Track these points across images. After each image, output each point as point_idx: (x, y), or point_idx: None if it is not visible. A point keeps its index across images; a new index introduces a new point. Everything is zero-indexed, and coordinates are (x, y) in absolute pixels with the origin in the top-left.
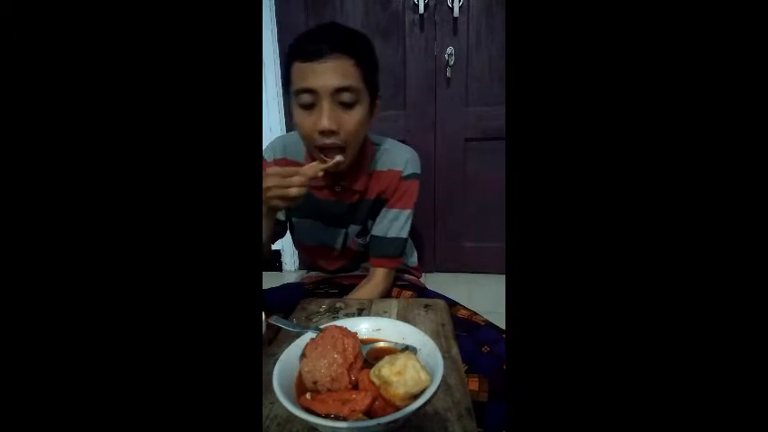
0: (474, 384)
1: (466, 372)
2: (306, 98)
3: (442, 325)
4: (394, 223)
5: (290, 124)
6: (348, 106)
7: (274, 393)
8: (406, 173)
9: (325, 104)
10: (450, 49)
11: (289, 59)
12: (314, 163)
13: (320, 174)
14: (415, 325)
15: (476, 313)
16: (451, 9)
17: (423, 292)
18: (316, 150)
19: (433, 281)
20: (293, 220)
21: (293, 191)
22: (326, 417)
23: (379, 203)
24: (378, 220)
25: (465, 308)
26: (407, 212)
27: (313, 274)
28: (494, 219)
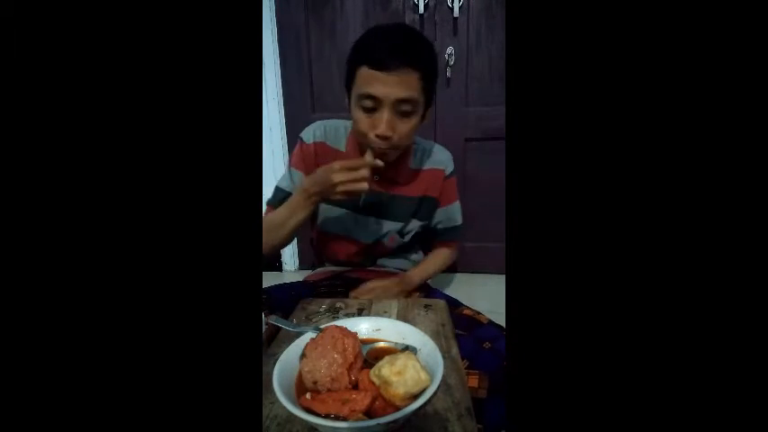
0: (474, 381)
1: (467, 368)
2: (368, 103)
3: (442, 325)
4: (454, 216)
5: (290, 123)
6: (405, 115)
7: (274, 393)
8: (448, 172)
9: (386, 113)
10: (450, 49)
11: (355, 60)
12: (368, 156)
13: (368, 173)
14: (415, 325)
15: (479, 313)
16: (451, 9)
17: (431, 292)
18: (367, 147)
19: (433, 281)
20: (320, 206)
21: (363, 184)
22: (326, 417)
23: (427, 204)
24: (437, 218)
25: (469, 308)
26: (457, 203)
27: (320, 270)
28: (494, 219)
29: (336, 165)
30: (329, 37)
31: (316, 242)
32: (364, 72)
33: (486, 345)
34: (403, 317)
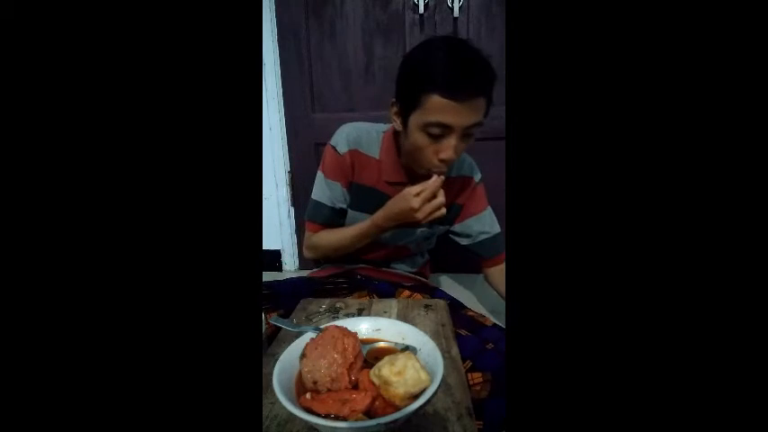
0: (477, 380)
1: (469, 368)
2: (436, 130)
3: (442, 325)
4: (492, 222)
5: (290, 123)
6: (468, 137)
7: (274, 393)
8: (477, 178)
9: (454, 139)
10: None
11: (423, 85)
12: (435, 179)
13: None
14: (415, 325)
15: (483, 316)
16: (451, 9)
17: (434, 293)
18: (421, 168)
19: (433, 281)
20: (350, 212)
21: (443, 210)
22: (326, 417)
23: (454, 210)
24: (476, 229)
25: (473, 311)
26: (489, 210)
27: (326, 266)
28: None
29: (414, 203)
30: (329, 37)
31: None
32: (436, 101)
33: (490, 345)
34: (403, 317)
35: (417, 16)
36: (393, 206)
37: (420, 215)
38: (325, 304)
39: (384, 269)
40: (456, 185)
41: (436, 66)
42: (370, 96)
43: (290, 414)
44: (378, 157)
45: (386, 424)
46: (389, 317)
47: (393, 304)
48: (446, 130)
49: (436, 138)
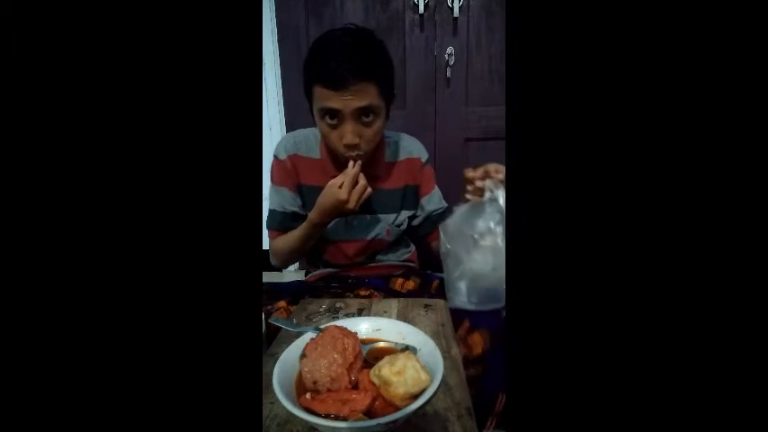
0: (477, 339)
1: (468, 328)
2: (330, 116)
3: (442, 325)
4: (437, 202)
5: (289, 123)
6: (368, 122)
7: (274, 393)
8: (424, 159)
9: (349, 124)
10: (450, 49)
11: (310, 78)
12: (351, 165)
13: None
14: (415, 325)
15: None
16: (451, 9)
17: (426, 276)
18: (340, 156)
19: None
20: (308, 214)
21: (369, 189)
22: (326, 417)
23: (410, 192)
24: (430, 206)
25: None
26: (437, 190)
27: (317, 272)
28: None
29: (342, 194)
30: None
31: (318, 250)
32: (319, 91)
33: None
34: (403, 317)
35: (417, 16)
36: (323, 201)
37: (350, 204)
38: (325, 304)
39: (372, 264)
40: (403, 168)
41: (316, 58)
42: None
43: (290, 414)
44: (319, 157)
45: (386, 424)
46: (389, 317)
47: (393, 304)
48: (338, 115)
49: (333, 124)
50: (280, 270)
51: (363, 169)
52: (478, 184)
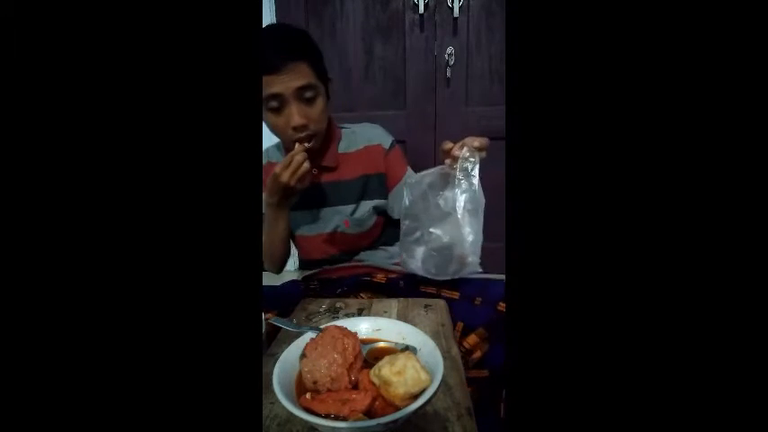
0: (474, 339)
1: (463, 330)
2: (274, 103)
3: (442, 325)
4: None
5: None
6: (310, 101)
7: (274, 393)
8: (387, 145)
9: (293, 105)
10: (450, 49)
11: None
12: (297, 146)
13: (304, 154)
14: (415, 325)
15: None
16: (451, 9)
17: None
18: (292, 144)
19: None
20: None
21: (305, 165)
22: (326, 417)
23: (372, 182)
24: (394, 198)
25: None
26: (410, 170)
27: (307, 272)
28: (494, 219)
29: (277, 169)
30: (329, 37)
31: (298, 250)
32: (263, 80)
33: (477, 300)
34: (403, 317)
35: (417, 16)
36: (268, 183)
37: (283, 178)
38: (325, 304)
39: (354, 263)
40: (360, 157)
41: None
42: (370, 96)
43: (290, 414)
44: None
45: (386, 424)
46: (389, 317)
47: (393, 304)
48: (281, 100)
49: (278, 111)
50: (276, 271)
51: (314, 161)
52: (455, 153)
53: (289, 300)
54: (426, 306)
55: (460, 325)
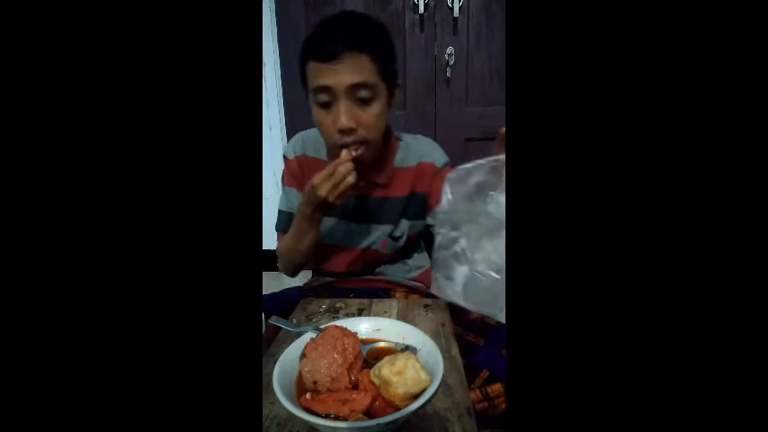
0: (497, 391)
1: (488, 378)
2: (323, 97)
3: (442, 325)
4: None
5: (289, 123)
6: (365, 102)
7: (274, 393)
8: (439, 164)
9: (342, 103)
10: (450, 49)
11: (303, 58)
12: (344, 154)
13: (350, 166)
14: (415, 325)
15: (486, 316)
16: (451, 9)
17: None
18: (336, 148)
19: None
20: None
21: (349, 179)
22: (326, 417)
23: (415, 201)
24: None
25: (474, 312)
26: None
27: (314, 279)
28: None
29: (315, 179)
30: None
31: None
32: (312, 67)
33: (504, 351)
34: (403, 317)
35: (417, 16)
36: (307, 191)
37: (321, 191)
38: (325, 304)
39: (371, 277)
40: (412, 174)
41: (311, 35)
42: None
43: (290, 414)
44: (326, 159)
45: (386, 424)
46: (389, 317)
47: (393, 304)
48: (330, 94)
49: (327, 106)
50: (292, 274)
51: (367, 174)
52: None
53: (290, 308)
54: (426, 306)
55: (486, 372)
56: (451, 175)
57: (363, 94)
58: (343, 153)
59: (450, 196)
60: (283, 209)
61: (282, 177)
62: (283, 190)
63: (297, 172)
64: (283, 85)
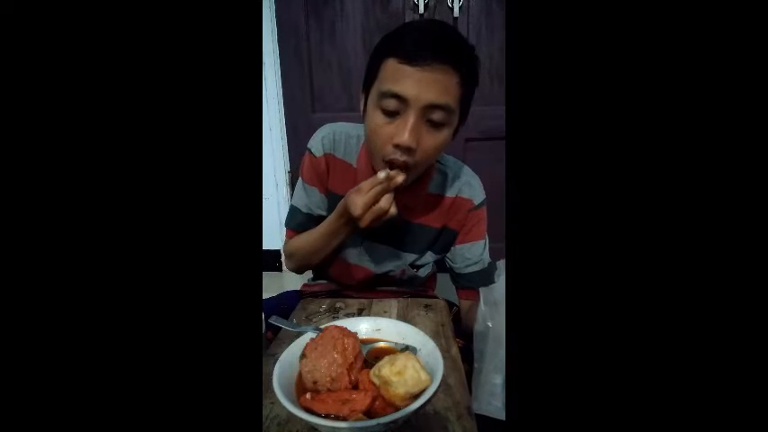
0: None
1: None
2: (391, 103)
3: (442, 325)
4: (473, 256)
5: (290, 123)
6: (435, 126)
7: (274, 393)
8: (477, 202)
9: (412, 118)
10: None
11: (381, 52)
12: (381, 174)
13: (391, 199)
14: (415, 325)
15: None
16: (451, 9)
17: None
18: (380, 160)
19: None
20: None
21: (392, 211)
22: (326, 417)
23: (445, 236)
24: (453, 257)
25: None
26: (482, 242)
27: (317, 282)
28: (494, 219)
29: (354, 204)
30: (329, 37)
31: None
32: (391, 65)
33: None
34: (403, 317)
35: (417, 16)
36: (341, 203)
37: (356, 211)
38: (325, 304)
39: (378, 290)
40: (450, 206)
41: (397, 32)
42: None
43: (290, 414)
44: (355, 165)
45: (386, 424)
46: (389, 317)
47: (393, 304)
48: (402, 104)
49: (391, 115)
50: (299, 272)
51: (399, 195)
52: None
53: (288, 312)
54: (426, 306)
55: None
56: (492, 287)
57: (438, 116)
58: (381, 174)
59: (488, 309)
60: (298, 206)
61: (301, 170)
62: (302, 186)
63: (322, 171)
64: (283, 85)
